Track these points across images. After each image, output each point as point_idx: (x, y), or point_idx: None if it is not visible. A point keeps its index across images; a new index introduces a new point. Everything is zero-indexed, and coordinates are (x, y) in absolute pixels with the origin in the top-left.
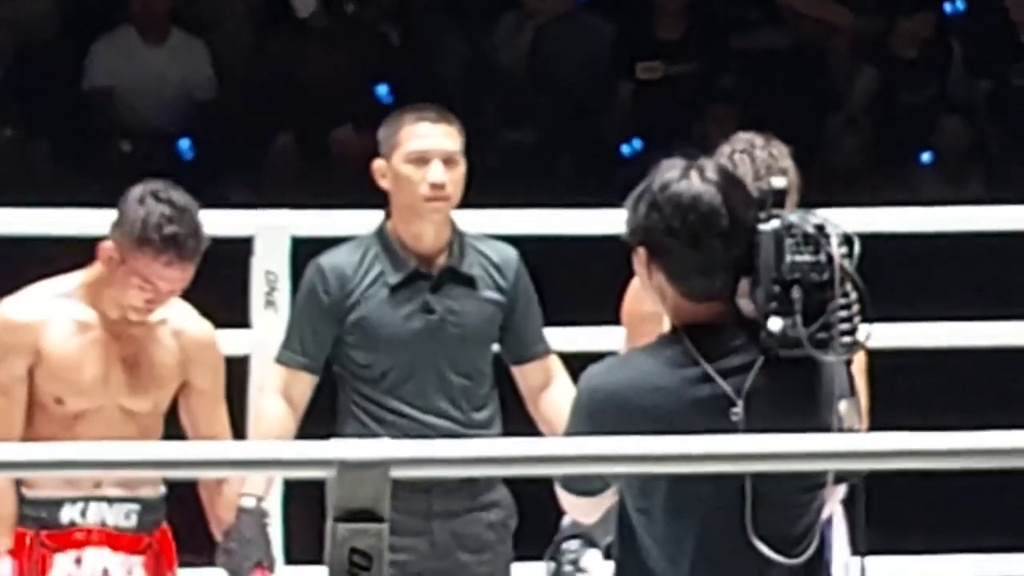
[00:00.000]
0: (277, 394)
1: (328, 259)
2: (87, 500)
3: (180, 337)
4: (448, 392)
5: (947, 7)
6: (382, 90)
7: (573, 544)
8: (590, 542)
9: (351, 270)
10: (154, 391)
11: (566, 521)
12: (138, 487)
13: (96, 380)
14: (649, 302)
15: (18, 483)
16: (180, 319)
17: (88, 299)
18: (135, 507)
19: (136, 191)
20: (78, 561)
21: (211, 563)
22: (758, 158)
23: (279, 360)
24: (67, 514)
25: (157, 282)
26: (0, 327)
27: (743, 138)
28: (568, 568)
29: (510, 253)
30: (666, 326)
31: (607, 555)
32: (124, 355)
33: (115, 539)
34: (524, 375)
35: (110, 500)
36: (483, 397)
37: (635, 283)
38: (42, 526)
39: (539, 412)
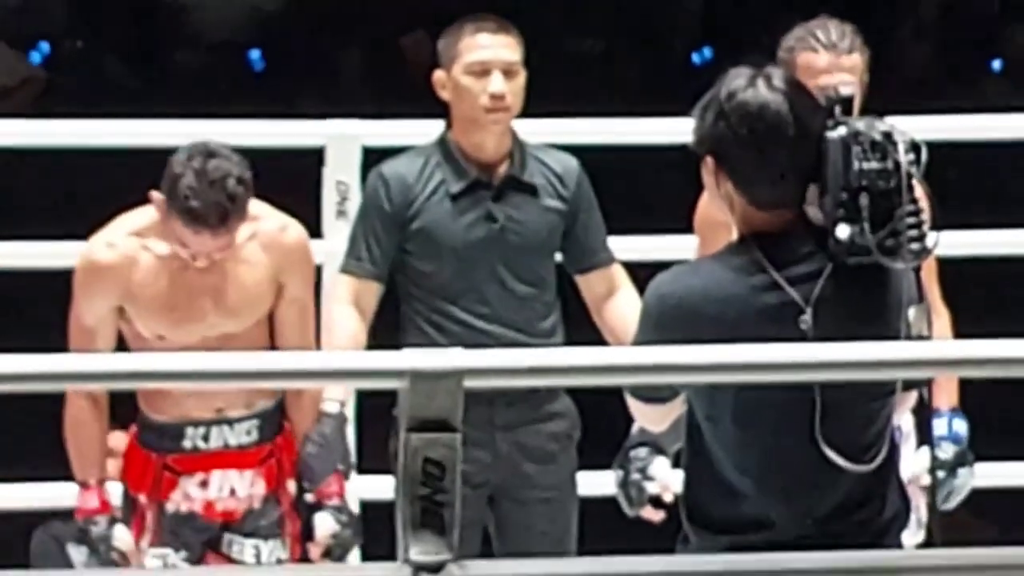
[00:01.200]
0: (346, 303)
1: (390, 167)
2: (208, 424)
3: (271, 250)
4: (511, 300)
5: None
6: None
7: (641, 452)
8: (658, 450)
9: (412, 179)
10: (248, 310)
11: (635, 429)
12: (255, 402)
13: (192, 312)
14: (717, 210)
15: (138, 406)
16: (270, 231)
17: (164, 235)
18: (255, 423)
19: (181, 152)
20: (203, 484)
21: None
22: (833, 30)
23: (345, 269)
24: (190, 440)
25: (192, 246)
26: (86, 270)
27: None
28: (636, 476)
29: (571, 162)
30: (735, 235)
31: (675, 463)
32: (216, 281)
33: (238, 458)
34: (588, 284)
35: (231, 421)
36: (546, 306)
37: (706, 192)
38: (166, 450)
39: (604, 321)
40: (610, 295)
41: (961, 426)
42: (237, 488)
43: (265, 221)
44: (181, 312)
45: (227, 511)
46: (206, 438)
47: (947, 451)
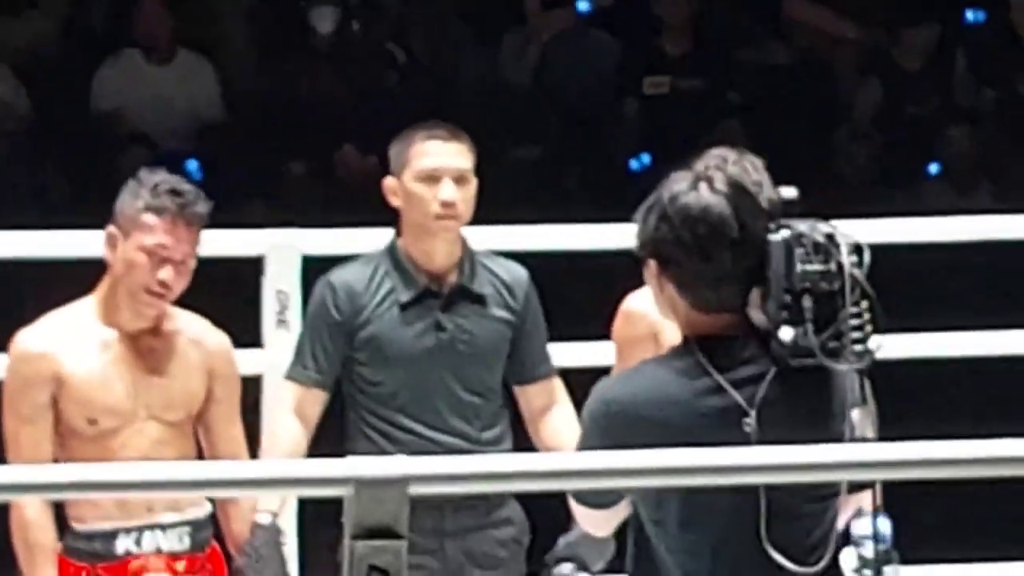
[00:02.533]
0: (289, 412)
1: (339, 275)
2: (141, 529)
3: (199, 347)
4: (459, 410)
5: (952, 18)
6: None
7: (565, 568)
8: (582, 566)
9: (362, 287)
10: (184, 401)
11: (561, 543)
12: (187, 508)
13: (126, 395)
14: (640, 325)
15: (65, 517)
16: (196, 330)
17: (104, 317)
18: (187, 529)
19: (130, 181)
20: None
21: None
22: (731, 173)
23: (290, 376)
24: (122, 545)
25: (165, 245)
26: (18, 359)
27: (715, 154)
28: None
29: (520, 272)
30: (660, 348)
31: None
32: (149, 367)
33: (172, 564)
34: (526, 396)
35: (164, 526)
36: (493, 415)
37: (625, 305)
38: (98, 559)
39: (539, 435)
40: (548, 409)
41: (885, 525)
42: None
43: (192, 321)
44: (116, 392)
45: None
46: (138, 543)
47: (872, 551)
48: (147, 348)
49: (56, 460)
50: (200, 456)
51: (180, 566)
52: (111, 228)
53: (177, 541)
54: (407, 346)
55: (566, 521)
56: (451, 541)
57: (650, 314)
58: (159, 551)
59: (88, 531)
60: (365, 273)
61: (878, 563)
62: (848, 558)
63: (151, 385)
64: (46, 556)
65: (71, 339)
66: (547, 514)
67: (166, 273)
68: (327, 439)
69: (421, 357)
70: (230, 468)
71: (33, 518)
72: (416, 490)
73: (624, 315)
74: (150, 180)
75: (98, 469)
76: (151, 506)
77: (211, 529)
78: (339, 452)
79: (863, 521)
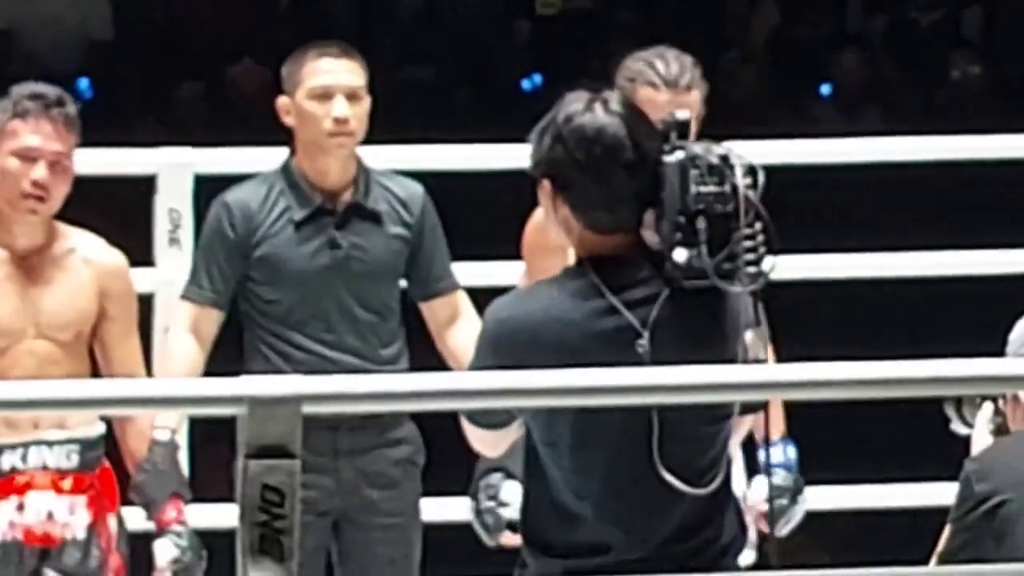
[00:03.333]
0: (185, 330)
1: (233, 195)
2: (27, 445)
3: (91, 266)
4: (355, 328)
5: None
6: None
7: (493, 478)
8: (509, 474)
9: (256, 206)
10: (75, 320)
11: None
12: (75, 426)
13: (14, 315)
14: (551, 235)
15: None
16: (89, 249)
17: None
18: (75, 447)
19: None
20: (20, 507)
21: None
22: (673, 64)
23: (185, 296)
24: (7, 461)
25: (32, 146)
26: None
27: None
28: (489, 503)
29: (416, 188)
30: (569, 260)
31: None
32: (39, 287)
33: (57, 481)
34: (431, 310)
35: (50, 443)
36: (390, 333)
37: (535, 217)
38: None
39: (446, 347)
40: (453, 322)
41: (792, 453)
42: (55, 511)
43: (86, 240)
44: (4, 310)
45: (45, 536)
46: (24, 459)
47: (785, 479)
48: (38, 267)
49: None
50: (96, 375)
51: (66, 484)
52: None
53: (64, 458)
54: (302, 264)
55: (462, 442)
56: (345, 460)
57: None
58: (45, 467)
59: None
60: (260, 192)
61: (793, 491)
62: (758, 487)
63: (41, 304)
64: None
65: None
66: (443, 434)
67: (39, 172)
68: (224, 358)
69: (316, 275)
70: (124, 386)
71: None
72: (309, 409)
73: (535, 226)
74: (14, 91)
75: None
76: (37, 422)
77: (102, 449)
78: (236, 372)
79: (774, 449)
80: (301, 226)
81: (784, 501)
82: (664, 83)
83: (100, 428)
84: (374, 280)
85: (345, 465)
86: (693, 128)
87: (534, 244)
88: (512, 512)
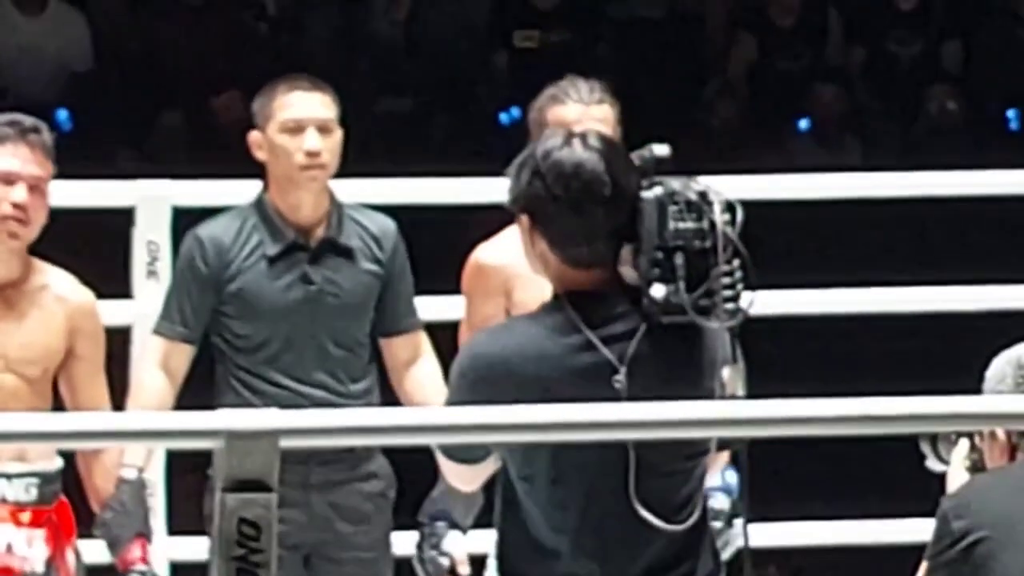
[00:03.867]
0: (155, 365)
1: (206, 229)
2: None
3: (63, 304)
4: (326, 363)
5: None
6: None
7: (438, 527)
8: (452, 523)
9: (229, 240)
10: (42, 356)
11: (428, 501)
12: (35, 460)
13: None
14: (492, 277)
15: None
16: (61, 286)
17: None
18: (34, 480)
19: None
20: None
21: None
22: (581, 84)
23: (157, 331)
24: None
25: (10, 171)
26: None
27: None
28: (431, 552)
29: (388, 225)
30: (523, 297)
31: (485, 524)
32: (9, 321)
33: (16, 513)
34: (391, 349)
35: (9, 476)
36: (361, 369)
37: (475, 257)
38: None
39: (402, 388)
40: (412, 362)
41: (733, 477)
42: (14, 544)
43: (59, 277)
44: None
45: (5, 569)
46: None
47: (722, 502)
48: (11, 300)
49: None
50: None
51: (25, 517)
52: None
53: (23, 491)
54: (275, 299)
55: (433, 476)
56: (317, 494)
57: (504, 267)
58: (4, 500)
59: None
60: (233, 227)
61: (730, 515)
62: None
63: (11, 338)
64: None
65: None
66: (414, 469)
67: (19, 193)
68: (195, 393)
69: (289, 310)
70: (104, 419)
71: None
72: (287, 443)
73: (475, 267)
74: None
75: None
76: None
77: (60, 483)
78: (207, 406)
79: (714, 475)
80: (274, 261)
81: (719, 524)
82: (571, 99)
83: (59, 462)
84: (346, 316)
85: (316, 499)
86: None
87: (474, 286)
88: (449, 561)
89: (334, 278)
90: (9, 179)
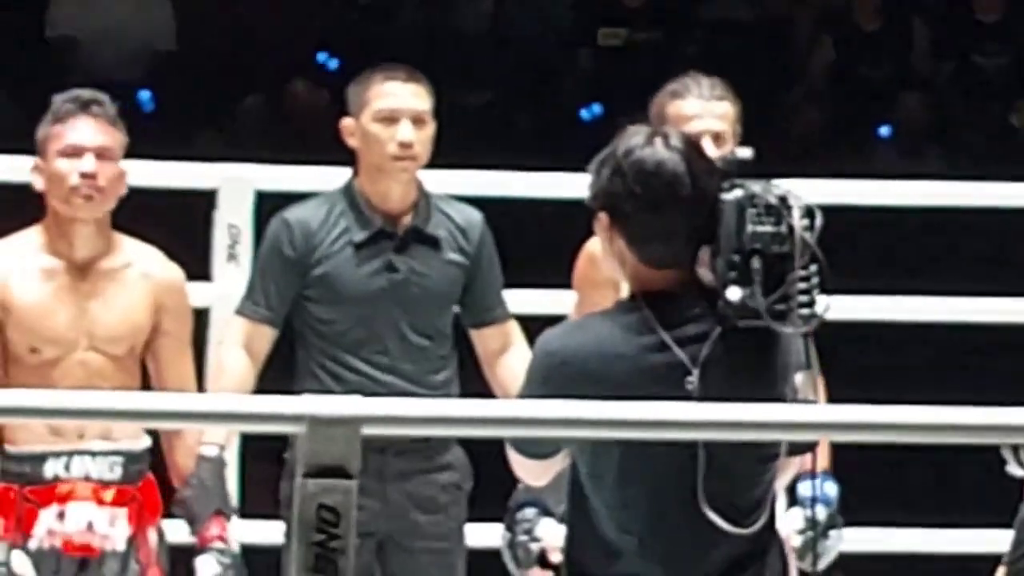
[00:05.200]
0: (238, 346)
1: (294, 213)
2: (71, 454)
3: (148, 280)
4: (408, 352)
5: None
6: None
7: (528, 512)
8: (545, 510)
9: (316, 225)
10: (128, 334)
11: (520, 487)
12: (120, 438)
13: (68, 326)
14: (604, 268)
15: None
16: (147, 263)
17: (49, 247)
18: (119, 459)
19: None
20: (61, 516)
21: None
22: (703, 80)
23: (240, 312)
24: (51, 468)
25: (75, 144)
26: None
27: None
28: (523, 537)
29: (475, 216)
30: (620, 294)
31: (562, 520)
32: (94, 299)
33: (99, 492)
34: (482, 339)
35: (94, 453)
36: (442, 359)
37: (588, 248)
38: (26, 481)
39: (495, 377)
40: (503, 351)
41: (832, 488)
42: (95, 523)
43: (145, 254)
44: (59, 322)
45: (84, 546)
46: (67, 467)
47: (819, 513)
48: (94, 279)
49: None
50: (146, 390)
51: (108, 495)
52: (35, 160)
53: (107, 469)
54: (359, 286)
55: (508, 469)
56: (393, 484)
57: None
58: (88, 477)
59: (19, 453)
60: (321, 212)
61: (826, 526)
62: (793, 518)
63: (95, 316)
64: None
65: (17, 267)
66: (491, 460)
67: (87, 163)
68: (276, 377)
69: (373, 297)
70: (185, 400)
71: None
72: (368, 430)
73: (587, 258)
74: (55, 100)
75: (53, 396)
76: (82, 432)
77: (147, 463)
78: (285, 390)
79: (810, 483)
80: (360, 248)
81: (814, 535)
82: (692, 94)
83: (146, 442)
84: (429, 305)
85: (392, 488)
86: (731, 144)
87: (586, 277)
88: (543, 547)
89: (419, 267)
90: (75, 152)
